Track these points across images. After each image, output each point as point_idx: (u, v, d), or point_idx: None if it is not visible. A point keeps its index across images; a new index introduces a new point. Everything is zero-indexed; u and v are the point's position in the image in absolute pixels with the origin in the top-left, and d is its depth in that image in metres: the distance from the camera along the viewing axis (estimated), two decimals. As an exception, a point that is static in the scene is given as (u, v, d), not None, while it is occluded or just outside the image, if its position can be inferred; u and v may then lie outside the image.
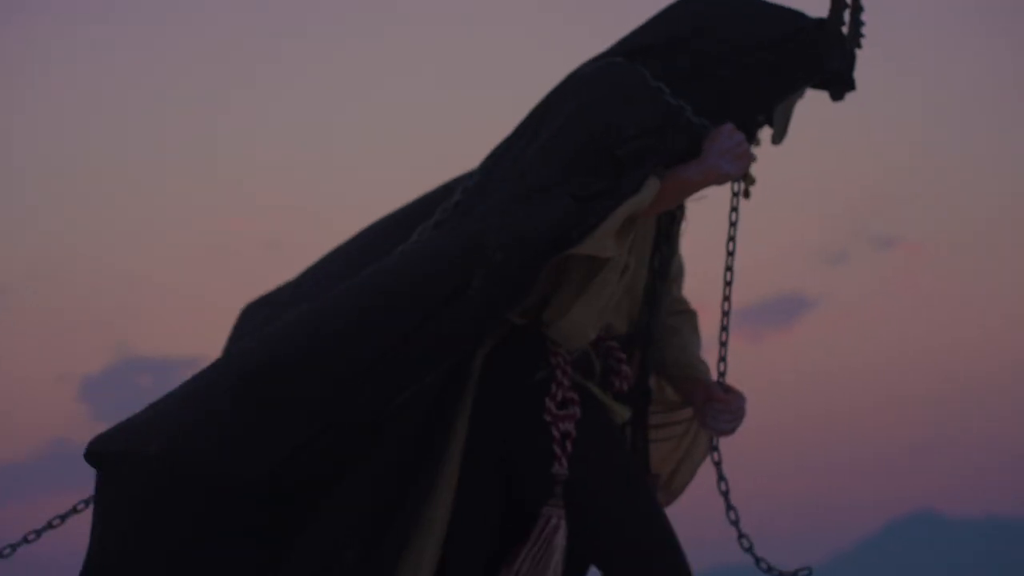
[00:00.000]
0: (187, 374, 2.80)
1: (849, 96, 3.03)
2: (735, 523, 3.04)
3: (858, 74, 3.01)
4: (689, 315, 3.17)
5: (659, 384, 3.12)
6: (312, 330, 2.72)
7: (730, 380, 3.09)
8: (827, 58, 2.92)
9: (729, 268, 3.02)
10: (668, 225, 2.98)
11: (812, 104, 3.07)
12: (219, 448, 2.67)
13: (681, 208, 3.00)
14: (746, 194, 2.99)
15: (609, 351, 2.93)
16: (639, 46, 2.90)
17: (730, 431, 3.04)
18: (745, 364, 3.32)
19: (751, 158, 2.86)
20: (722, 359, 3.05)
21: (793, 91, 2.93)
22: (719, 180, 2.84)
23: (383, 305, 2.71)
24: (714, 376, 3.09)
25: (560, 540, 2.79)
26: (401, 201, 3.12)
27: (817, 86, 3.01)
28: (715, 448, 3.09)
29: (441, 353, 2.72)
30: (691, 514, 3.20)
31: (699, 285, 3.22)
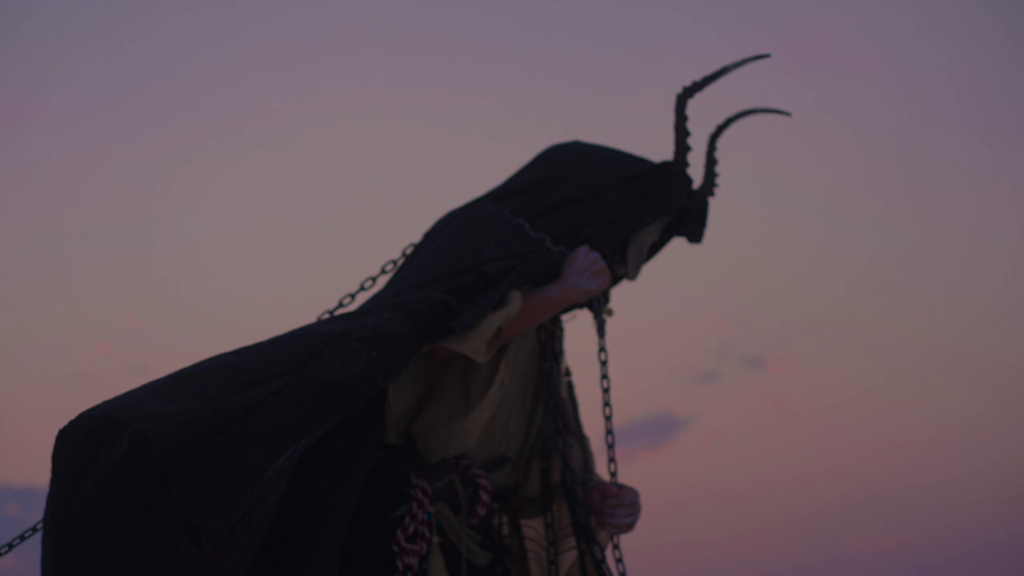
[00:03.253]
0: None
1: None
2: None
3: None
4: (584, 440, 3.38)
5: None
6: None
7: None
8: (672, 196, 3.22)
9: (605, 376, 3.20)
10: (552, 351, 3.23)
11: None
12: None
13: (560, 338, 3.27)
14: (605, 315, 3.21)
15: (476, 479, 3.09)
16: (507, 190, 3.22)
17: (629, 526, 3.21)
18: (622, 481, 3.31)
19: (608, 275, 3.11)
20: (611, 460, 3.21)
21: (641, 226, 3.20)
22: (579, 296, 3.10)
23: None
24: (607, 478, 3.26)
25: None
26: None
27: (676, 232, 3.33)
28: (616, 546, 3.22)
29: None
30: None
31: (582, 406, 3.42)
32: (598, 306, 3.20)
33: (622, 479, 3.27)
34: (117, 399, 2.59)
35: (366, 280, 3.25)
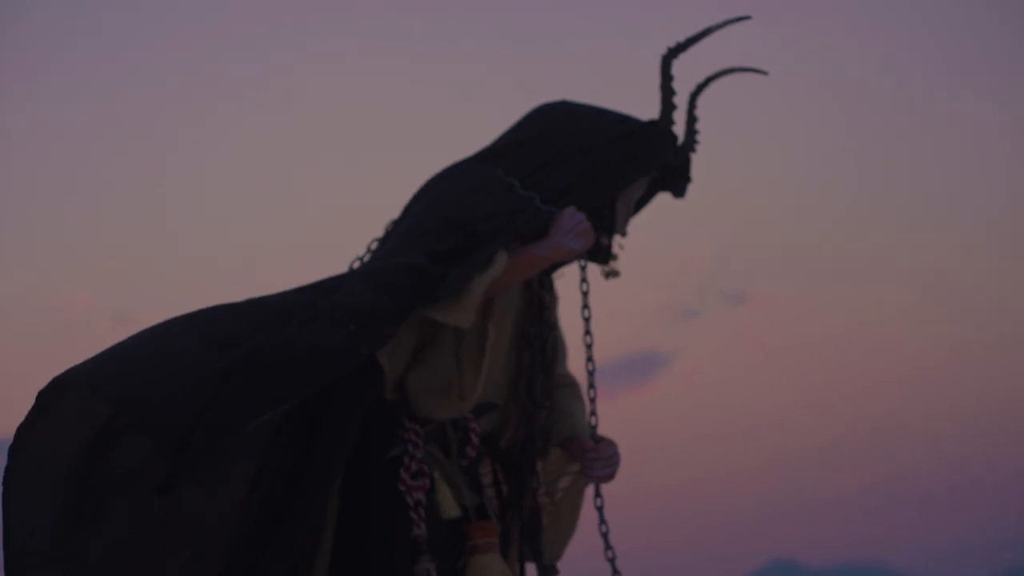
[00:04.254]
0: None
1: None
2: (612, 561, 3.33)
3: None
4: (572, 387, 3.50)
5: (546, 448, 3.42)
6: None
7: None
8: (658, 154, 3.31)
9: (588, 332, 3.30)
10: (539, 305, 3.32)
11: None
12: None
13: (549, 289, 3.36)
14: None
15: (466, 423, 3.19)
16: (497, 149, 3.29)
17: (608, 476, 3.35)
18: (603, 421, 3.44)
19: (592, 235, 3.19)
20: (592, 413, 3.33)
21: (629, 183, 3.30)
22: (564, 255, 3.18)
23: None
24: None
25: None
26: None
27: (660, 187, 3.44)
28: (598, 494, 3.35)
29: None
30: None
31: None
32: (584, 265, 3.28)
33: (604, 417, 3.35)
34: (98, 376, 2.69)
35: (372, 241, 3.30)
